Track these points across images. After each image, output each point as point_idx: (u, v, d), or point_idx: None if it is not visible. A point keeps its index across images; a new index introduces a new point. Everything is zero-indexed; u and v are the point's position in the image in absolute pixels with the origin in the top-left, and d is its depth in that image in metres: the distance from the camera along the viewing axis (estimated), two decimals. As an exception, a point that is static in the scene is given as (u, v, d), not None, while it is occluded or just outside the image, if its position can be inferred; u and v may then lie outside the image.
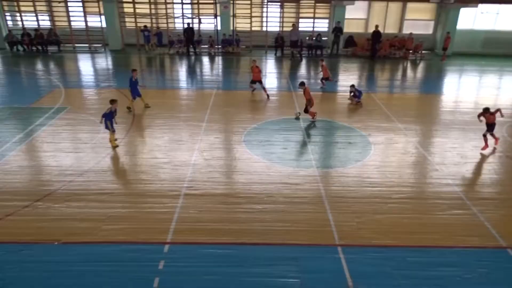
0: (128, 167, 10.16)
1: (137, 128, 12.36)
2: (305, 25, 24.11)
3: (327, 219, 8.12)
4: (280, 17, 24.02)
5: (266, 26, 23.99)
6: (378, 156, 10.89)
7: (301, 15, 24.19)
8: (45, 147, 11.05)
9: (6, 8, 23.13)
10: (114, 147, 11.04)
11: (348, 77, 18.78)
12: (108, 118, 10.91)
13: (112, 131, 11.05)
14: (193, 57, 22.37)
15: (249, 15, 23.57)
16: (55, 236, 7.48)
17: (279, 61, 22.22)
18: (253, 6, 23.56)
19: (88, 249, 7.16)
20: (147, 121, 12.93)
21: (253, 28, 24.00)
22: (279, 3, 23.77)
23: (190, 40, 22.55)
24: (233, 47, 23.22)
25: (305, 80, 14.60)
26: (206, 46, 23.36)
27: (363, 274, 6.71)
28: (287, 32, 23.15)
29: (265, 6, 23.99)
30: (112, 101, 11.12)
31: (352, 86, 15.41)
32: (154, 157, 10.58)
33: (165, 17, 23.47)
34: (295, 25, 22.76)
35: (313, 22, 24.04)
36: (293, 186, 9.28)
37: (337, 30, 23.03)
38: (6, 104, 14.29)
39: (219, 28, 23.59)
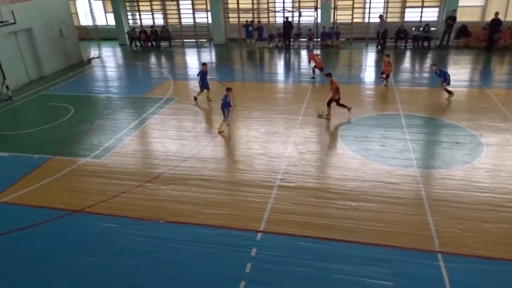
0: (226, 156, 10.69)
1: (235, 119, 12.90)
2: (411, 15, 22.55)
3: (426, 222, 7.60)
4: (384, 7, 22.83)
5: (369, 18, 23.00)
6: (490, 159, 9.81)
7: (408, 4, 22.67)
8: (155, 134, 12.17)
9: (128, 8, 25.80)
10: (220, 132, 11.80)
11: (459, 71, 17.13)
12: (225, 105, 11.70)
13: (226, 117, 11.90)
14: (291, 51, 22.49)
15: (350, 6, 22.85)
16: (161, 214, 8.25)
17: (381, 54, 21.19)
18: (355, -3, 22.77)
19: (188, 230, 7.75)
20: (245, 113, 13.42)
21: (354, 20, 23.20)
22: (384, -7, 22.60)
23: (288, 34, 22.68)
24: (332, 40, 22.77)
25: (409, 74, 13.67)
26: (305, 39, 23.27)
27: (466, 285, 6.16)
28: (391, 23, 21.91)
29: (369, -4, 22.98)
30: (228, 89, 11.86)
31: (434, 65, 14.21)
32: (251, 148, 10.96)
33: (266, 11, 23.94)
34: (382, 16, 21.57)
35: (421, 12, 22.36)
36: (390, 186, 8.85)
37: (450, 19, 21.08)
38: (125, 94, 16.03)
39: (319, 20, 23.30)
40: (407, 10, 22.69)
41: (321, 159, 10.21)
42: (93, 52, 22.61)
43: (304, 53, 22.08)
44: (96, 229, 7.93)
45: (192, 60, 21.96)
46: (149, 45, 24.89)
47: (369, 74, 17.63)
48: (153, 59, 22.29)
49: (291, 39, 23.15)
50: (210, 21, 24.52)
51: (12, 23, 14.49)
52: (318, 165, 9.91)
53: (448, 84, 13.86)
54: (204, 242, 7.40)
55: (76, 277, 6.77)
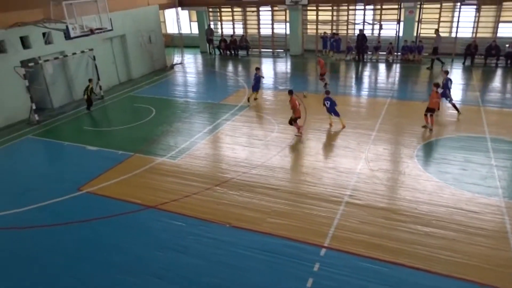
0: (294, 167, 10.66)
1: (307, 130, 12.82)
2: (505, 30, 20.73)
3: (511, 259, 6.88)
4: (474, 21, 21.28)
5: (456, 32, 21.60)
6: None
7: (502, 18, 20.90)
8: (227, 140, 12.53)
9: (211, 18, 27.06)
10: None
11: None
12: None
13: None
14: (368, 64, 21.87)
15: (436, 20, 21.65)
16: (227, 219, 8.44)
17: (467, 71, 19.76)
18: (442, 10, 21.53)
19: (252, 236, 7.84)
20: (317, 124, 13.28)
21: (440, 34, 21.90)
22: (475, 6, 21.09)
23: (361, 47, 22.09)
24: (414, 54, 21.73)
25: (500, 95, 12.58)
26: (384, 52, 22.49)
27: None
28: (482, 38, 20.35)
29: (457, 10, 21.60)
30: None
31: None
32: (320, 160, 10.82)
33: (345, 23, 23.60)
34: (438, 31, 20.20)
35: (517, 27, 20.45)
36: (469, 214, 8.17)
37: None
38: (202, 99, 16.76)
39: (400, 34, 22.40)
40: (500, 25, 20.92)
41: (394, 178, 9.75)
42: (176, 59, 23.99)
43: (382, 66, 21.35)
44: (166, 225, 8.34)
45: (268, 70, 22.30)
46: (228, 54, 25.78)
47: (456, 91, 16.47)
48: (230, 67, 23.05)
49: (369, 52, 22.52)
50: (288, 32, 24.77)
51: (109, 30, 15.90)
52: (389, 185, 9.47)
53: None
54: (266, 250, 7.42)
55: (145, 267, 7.18)
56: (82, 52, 16.61)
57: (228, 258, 7.31)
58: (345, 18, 23.63)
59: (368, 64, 21.87)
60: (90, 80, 15.94)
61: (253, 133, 12.96)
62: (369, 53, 22.64)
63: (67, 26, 13.77)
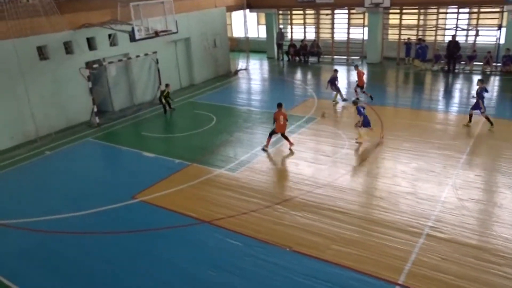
0: (367, 189, 10.33)
1: (383, 148, 12.40)
2: None
3: None
4: None
5: None
6: None
7: None
8: (291, 154, 12.49)
9: (280, 21, 27.47)
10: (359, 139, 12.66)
11: None
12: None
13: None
14: (460, 76, 20.73)
15: (549, 25, 20.04)
16: (287, 241, 8.36)
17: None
18: (557, 14, 19.89)
19: (313, 264, 7.68)
20: (395, 143, 12.80)
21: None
22: None
23: (452, 56, 20.97)
24: (517, 66, 20.23)
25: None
26: (481, 63, 21.19)
27: None
28: None
29: None
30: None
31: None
32: (397, 184, 10.38)
33: (434, 28, 22.67)
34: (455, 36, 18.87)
35: None
36: None
37: None
38: (266, 108, 16.93)
39: (501, 41, 21.00)
40: None
41: (487, 211, 9.05)
42: (241, 64, 24.60)
43: (476, 79, 20.13)
44: (221, 243, 8.46)
45: (341, 79, 21.98)
46: (297, 60, 25.92)
47: None
48: (299, 75, 23.13)
49: (462, 62, 21.37)
50: (365, 37, 24.36)
51: (174, 32, 16.77)
52: (482, 218, 8.80)
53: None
54: (329, 281, 7.22)
55: (197, 287, 7.32)
56: (146, 54, 17.64)
57: (286, 285, 7.21)
58: (434, 22, 22.72)
59: (460, 76, 20.73)
60: (167, 85, 16.93)
61: (321, 148, 12.80)
62: (461, 63, 21.47)
63: (132, 28, 14.75)
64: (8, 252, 8.72)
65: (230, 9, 25.00)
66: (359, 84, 17.03)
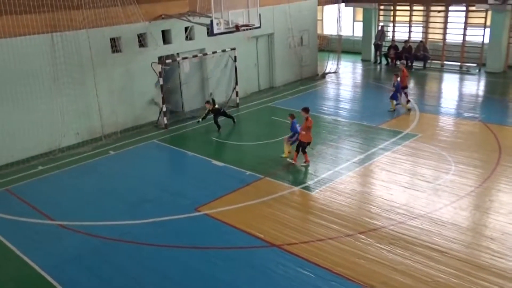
0: (474, 226, 9.78)
1: (499, 177, 11.66)
2: None
3: None
4: None
5: None
6: None
7: None
8: (382, 176, 12.21)
9: (381, 18, 27.02)
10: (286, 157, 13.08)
11: None
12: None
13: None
14: None
15: None
16: (368, 278, 8.17)
17: None
18: None
19: (400, 310, 7.42)
20: (516, 172, 12.00)
21: None
22: None
23: None
24: None
25: None
26: None
27: None
28: None
29: None
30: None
31: None
32: (514, 223, 9.72)
33: None
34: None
35: None
36: None
37: None
38: (356, 119, 16.72)
39: None
40: None
41: None
42: (330, 66, 24.54)
43: None
44: (291, 272, 8.48)
45: (451, 89, 21.12)
46: (398, 64, 25.24)
47: None
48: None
49: None
50: (486, 41, 23.12)
51: (257, 27, 17.17)
52: None
53: None
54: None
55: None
56: (223, 51, 18.28)
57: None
58: None
59: None
60: (208, 102, 16.15)
61: (419, 172, 12.35)
62: None
63: (211, 21, 15.37)
64: (61, 255, 9.47)
65: (322, 2, 25.13)
66: (402, 86, 17.44)
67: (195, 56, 17.71)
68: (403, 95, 17.52)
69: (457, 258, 8.67)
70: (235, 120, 16.83)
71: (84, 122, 15.52)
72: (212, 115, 16.18)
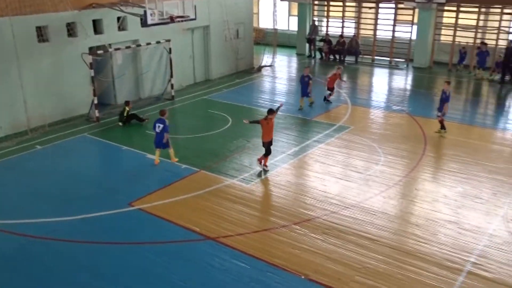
0: (401, 214, 10.27)
1: (425, 167, 12.31)
2: None
3: None
4: None
5: None
6: None
7: None
8: (316, 167, 12.53)
9: (315, 13, 27.58)
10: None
11: None
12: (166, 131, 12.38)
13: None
14: (524, 88, 20.41)
15: None
16: (303, 268, 8.38)
17: None
18: None
19: (332, 297, 7.68)
20: (439, 162, 12.71)
21: None
22: None
23: (508, 65, 20.60)
24: None
25: None
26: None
27: None
28: None
29: None
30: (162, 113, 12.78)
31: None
32: (437, 210, 10.31)
33: (496, 31, 22.39)
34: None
35: None
36: None
37: None
38: (291, 113, 17.01)
39: None
40: None
41: (544, 250, 8.89)
42: (266, 59, 24.77)
43: (544, 94, 19.78)
44: (227, 265, 8.53)
45: (381, 84, 21.97)
46: (331, 58, 25.92)
47: None
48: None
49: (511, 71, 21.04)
50: (414, 37, 24.23)
51: (192, 19, 17.01)
52: (537, 258, 8.66)
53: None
54: (349, 319, 7.21)
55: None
56: (158, 42, 17.95)
57: (298, 319, 7.23)
58: (496, 24, 22.44)
59: (522, 88, 20.42)
60: (127, 103, 15.98)
61: (351, 163, 12.78)
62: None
63: (145, 11, 15.04)
64: (-15, 255, 8.99)
65: (258, -5, 25.21)
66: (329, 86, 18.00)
67: (128, 47, 17.28)
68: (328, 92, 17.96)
69: (386, 245, 9.06)
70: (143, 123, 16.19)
71: (7, 115, 14.73)
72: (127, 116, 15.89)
